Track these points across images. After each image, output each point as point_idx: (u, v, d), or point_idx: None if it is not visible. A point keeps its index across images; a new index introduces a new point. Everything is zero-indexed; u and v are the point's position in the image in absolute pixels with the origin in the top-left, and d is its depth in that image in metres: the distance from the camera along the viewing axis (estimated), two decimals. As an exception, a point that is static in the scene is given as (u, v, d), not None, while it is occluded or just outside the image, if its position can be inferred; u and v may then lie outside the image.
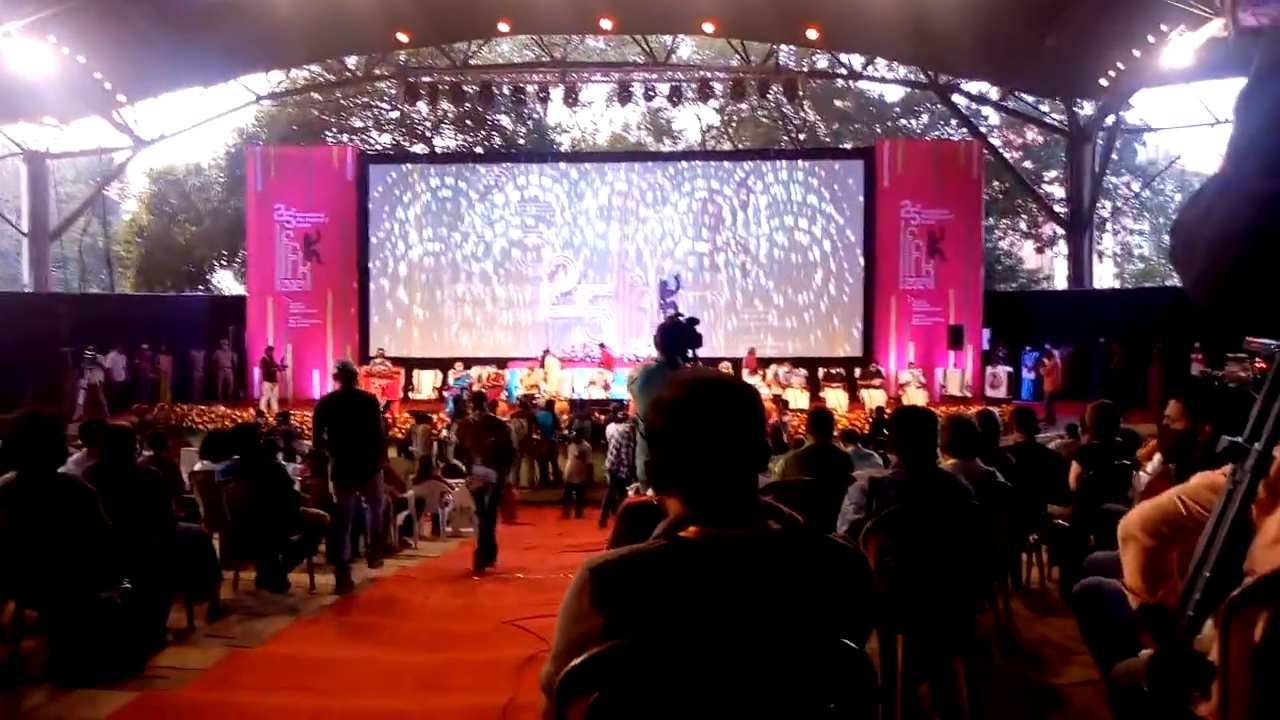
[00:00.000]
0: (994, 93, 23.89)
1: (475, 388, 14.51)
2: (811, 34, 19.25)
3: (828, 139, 29.55)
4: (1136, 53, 17.08)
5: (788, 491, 4.61)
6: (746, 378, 14.78)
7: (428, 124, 29.61)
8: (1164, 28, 15.76)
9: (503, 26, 19.95)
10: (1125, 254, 34.10)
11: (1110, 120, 22.62)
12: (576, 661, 1.33)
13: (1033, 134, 29.53)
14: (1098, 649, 3.06)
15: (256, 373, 18.48)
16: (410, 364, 19.31)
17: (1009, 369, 18.61)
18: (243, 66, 21.45)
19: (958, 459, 4.08)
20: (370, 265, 20.30)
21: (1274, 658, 1.58)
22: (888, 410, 13.80)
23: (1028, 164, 29.48)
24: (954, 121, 26.85)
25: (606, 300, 20.38)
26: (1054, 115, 24.52)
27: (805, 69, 22.80)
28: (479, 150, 28.36)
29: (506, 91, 21.75)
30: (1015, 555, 5.29)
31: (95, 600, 3.97)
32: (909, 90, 27.78)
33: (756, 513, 1.42)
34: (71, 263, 31.28)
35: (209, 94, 22.59)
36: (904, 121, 30.39)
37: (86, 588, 3.94)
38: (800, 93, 22.40)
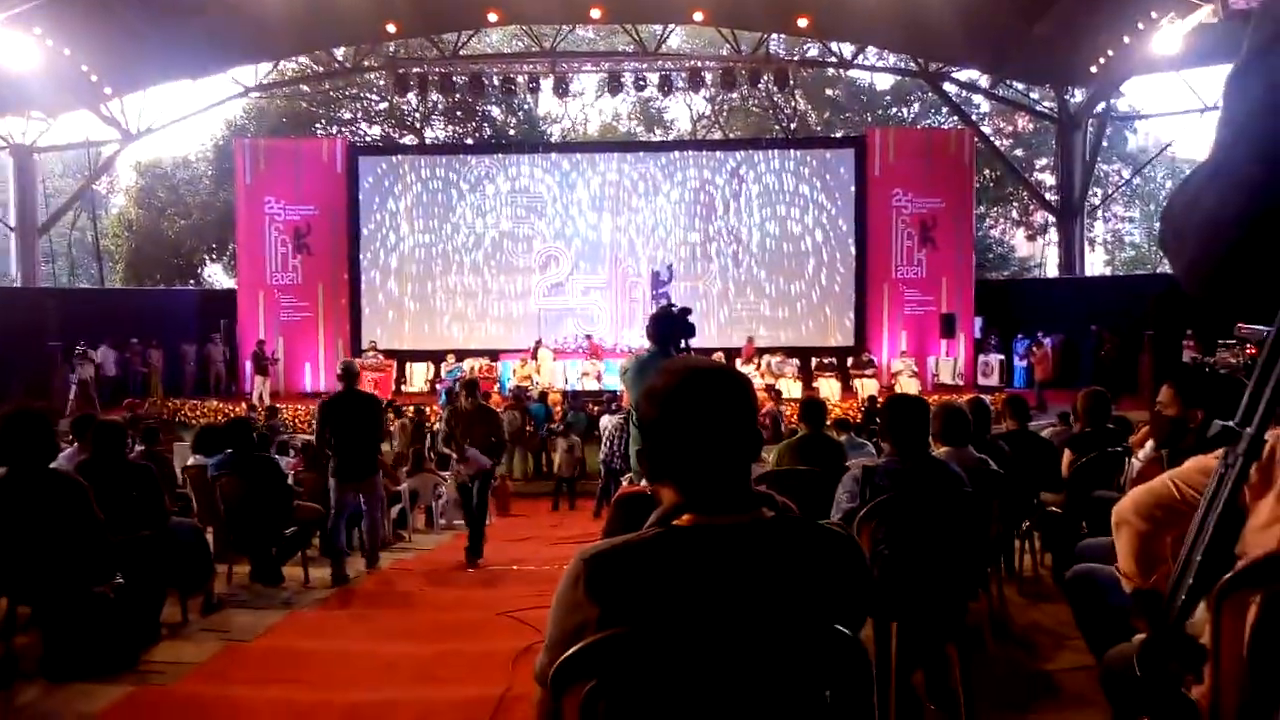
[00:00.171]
0: (984, 80, 23.92)
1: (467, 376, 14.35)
2: (802, 22, 19.24)
3: (819, 128, 29.55)
4: (1126, 39, 17.11)
5: (781, 480, 4.62)
6: (740, 367, 14.81)
7: (417, 115, 29.51)
8: (1154, 14, 15.80)
9: (492, 17, 19.86)
10: (1116, 241, 34.23)
11: (1101, 107, 22.64)
12: (571, 651, 1.32)
13: (1023, 121, 29.59)
14: (1090, 634, 3.08)
15: (248, 366, 18.42)
16: (402, 356, 19.28)
17: (1001, 357, 18.68)
18: (231, 58, 21.32)
19: (950, 447, 4.09)
20: (361, 257, 20.25)
21: (1266, 641, 1.59)
22: (880, 399, 13.83)
23: (1018, 152, 29.54)
24: (945, 109, 26.90)
25: (598, 291, 20.36)
26: (1044, 103, 24.54)
27: (796, 58, 22.76)
28: (469, 141, 28.30)
29: (496, 82, 21.68)
30: (1008, 542, 5.32)
31: (88, 595, 3.95)
32: (899, 78, 27.76)
33: (750, 501, 1.42)
34: (60, 257, 31.18)
35: (197, 86, 22.45)
36: (895, 110, 30.41)
37: (79, 583, 3.93)
38: (791, 82, 22.35)
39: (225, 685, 4.07)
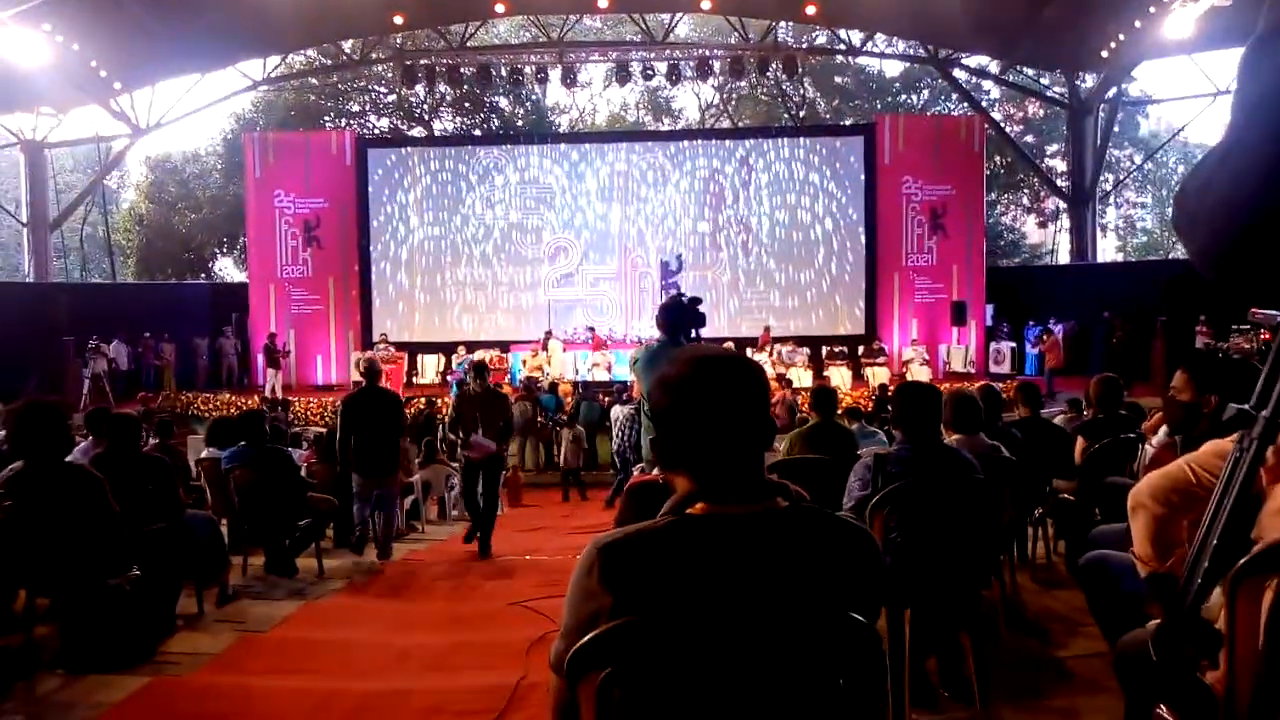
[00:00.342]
0: (994, 66, 23.75)
1: (458, 358, 14.14)
2: (810, 10, 19.11)
3: (828, 116, 29.43)
4: (1138, 23, 16.96)
5: (792, 469, 4.62)
6: (754, 355, 14.78)
7: (425, 107, 29.50)
8: (1165, -2, 15.65)
9: (499, 8, 19.80)
10: (1128, 227, 34.01)
11: (1112, 93, 22.48)
12: (586, 639, 1.33)
13: (1034, 108, 29.37)
14: (1104, 621, 3.08)
15: (260, 360, 18.49)
16: (413, 349, 19.30)
17: (1012, 344, 18.59)
18: (239, 52, 21.37)
19: (962, 434, 4.08)
20: (371, 250, 20.27)
21: (1282, 625, 1.59)
22: (891, 387, 13.80)
23: (1029, 138, 29.36)
24: (954, 96, 26.75)
25: (608, 282, 20.35)
26: (1055, 88, 24.40)
27: (804, 45, 22.72)
28: (477, 133, 28.26)
29: (504, 73, 21.66)
30: (1021, 529, 5.31)
31: (105, 587, 3.98)
32: (909, 65, 27.61)
33: (763, 490, 1.42)
34: (72, 252, 31.32)
35: (205, 81, 22.50)
36: (904, 97, 30.24)
37: (96, 575, 3.96)
38: (800, 69, 22.32)
39: (241, 676, 4.10)
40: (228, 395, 17.28)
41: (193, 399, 17.11)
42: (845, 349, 18.58)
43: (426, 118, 29.77)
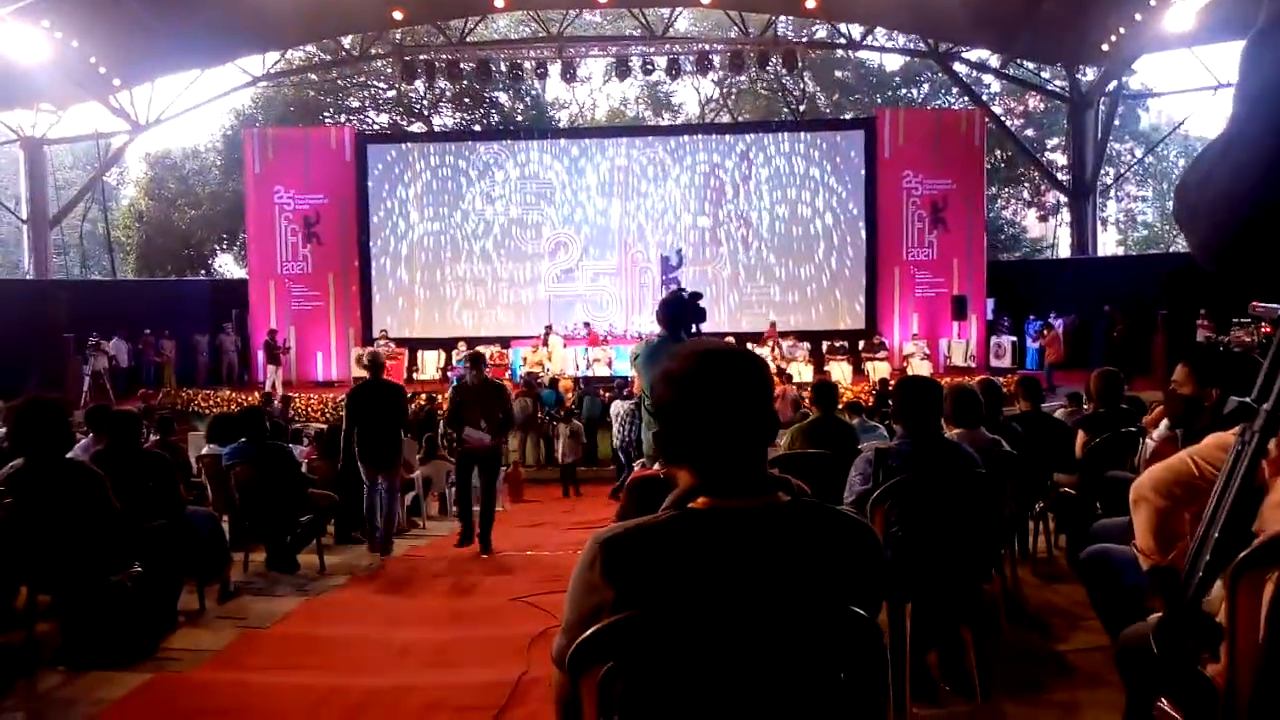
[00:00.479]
0: (994, 60, 23.73)
1: (459, 351, 13.96)
2: (810, 4, 19.09)
3: (828, 110, 29.40)
4: (1138, 16, 16.94)
5: (793, 464, 4.62)
6: (756, 349, 14.78)
7: (425, 102, 29.48)
8: (1166, -9, 15.62)
9: (499, 2, 19.81)
10: (1129, 221, 33.98)
11: (1112, 86, 22.42)
12: (588, 633, 1.33)
13: (1034, 101, 29.34)
14: (1106, 614, 3.08)
15: (260, 356, 18.49)
16: (413, 344, 19.30)
17: (1013, 339, 18.59)
18: (238, 48, 21.34)
19: (962, 429, 4.08)
20: (371, 245, 20.26)
21: (1283, 619, 1.58)
22: (892, 382, 13.79)
23: (1029, 132, 29.32)
24: (955, 90, 26.67)
25: (608, 277, 20.34)
26: (1055, 82, 24.34)
27: (804, 39, 22.61)
28: (477, 128, 28.25)
29: (504, 68, 21.63)
30: (1022, 523, 5.31)
31: (107, 584, 3.99)
32: (909, 59, 27.58)
33: (766, 484, 1.42)
34: (72, 249, 31.30)
35: (205, 77, 22.47)
36: (904, 91, 30.21)
37: (98, 572, 3.96)
38: (799, 64, 22.25)
39: (243, 672, 4.11)
40: (228, 392, 17.29)
41: (193, 396, 17.11)
42: (846, 344, 18.59)
43: (426, 113, 29.74)
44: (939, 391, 3.58)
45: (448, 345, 18.85)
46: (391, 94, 29.33)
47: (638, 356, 4.79)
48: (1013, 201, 31.89)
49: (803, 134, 20.93)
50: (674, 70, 21.24)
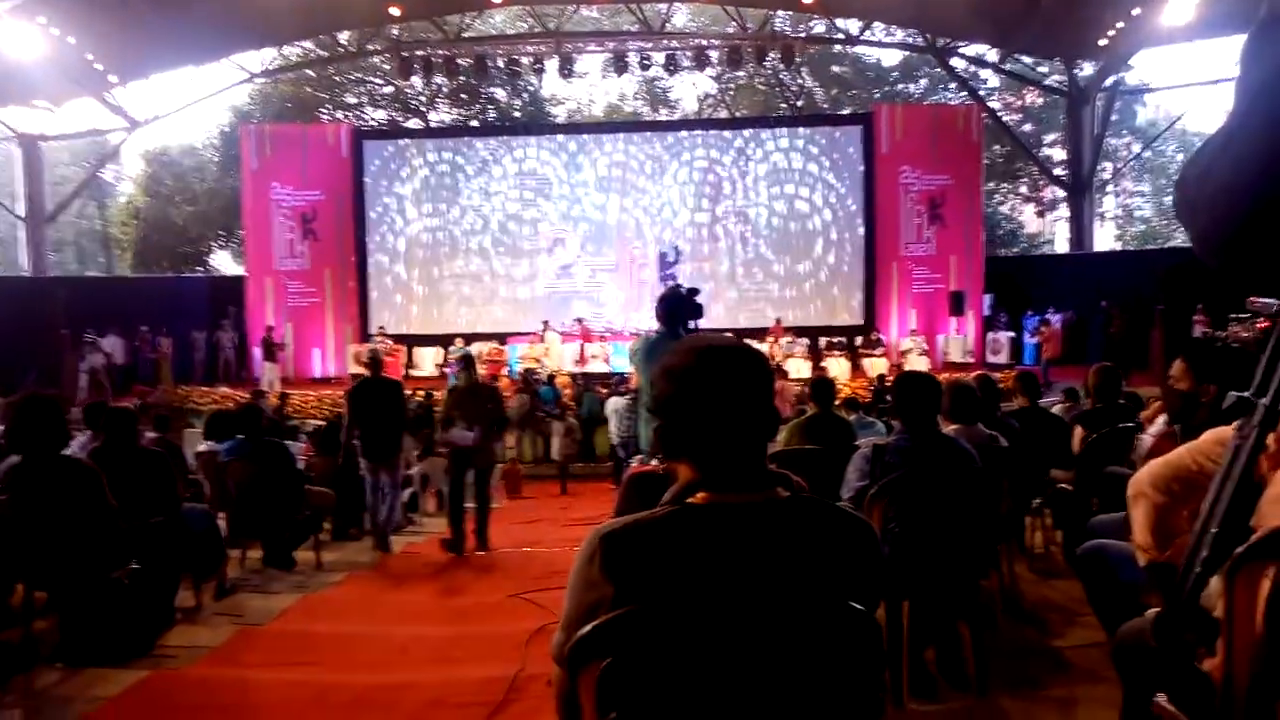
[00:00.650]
0: (992, 55, 23.69)
1: (455, 349, 13.85)
2: (807, -1, 19.08)
3: (826, 105, 29.36)
4: (1136, 11, 16.93)
5: (790, 460, 4.62)
6: (756, 344, 14.79)
7: (422, 98, 29.41)
8: (1164, -15, 15.61)
9: (495, -2, 19.77)
10: (1126, 216, 33.97)
11: (1110, 81, 22.42)
12: (587, 629, 1.33)
13: (1032, 96, 29.30)
14: (1102, 610, 3.08)
15: (257, 353, 18.47)
16: (410, 341, 19.29)
17: (1011, 334, 18.59)
18: (235, 44, 21.30)
19: (959, 424, 4.08)
20: (368, 242, 20.23)
21: (1280, 613, 1.58)
22: (889, 378, 13.80)
23: (1027, 127, 29.29)
24: (952, 85, 26.68)
25: (606, 273, 20.32)
26: (1053, 77, 24.34)
27: (802, 35, 22.62)
28: (474, 124, 28.19)
29: (501, 64, 21.60)
30: (1019, 519, 5.31)
31: (104, 581, 3.99)
32: (907, 54, 27.53)
33: (765, 480, 1.42)
34: (68, 246, 31.22)
35: (202, 73, 22.49)
36: (902, 86, 30.17)
37: (95, 569, 3.96)
38: (797, 59, 22.23)
39: (240, 669, 4.11)
40: (225, 389, 17.26)
41: (190, 392, 17.08)
42: (843, 339, 18.59)
43: (423, 109, 29.68)
44: (937, 387, 3.58)
45: (445, 342, 18.81)
46: (388, 90, 29.26)
47: (636, 353, 4.79)
48: (1010, 197, 31.87)
49: (800, 129, 20.91)
50: (671, 66, 21.19)
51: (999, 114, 26.09)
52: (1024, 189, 31.24)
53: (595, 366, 17.00)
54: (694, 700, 1.34)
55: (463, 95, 29.09)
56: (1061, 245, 28.48)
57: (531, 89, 29.88)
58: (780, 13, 22.18)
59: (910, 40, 23.95)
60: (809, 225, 20.06)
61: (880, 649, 1.43)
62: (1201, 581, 1.36)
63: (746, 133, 20.87)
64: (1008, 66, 23.91)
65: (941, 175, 19.26)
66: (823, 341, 18.51)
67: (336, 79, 28.73)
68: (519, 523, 9.56)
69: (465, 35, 22.20)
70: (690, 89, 31.51)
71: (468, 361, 7.45)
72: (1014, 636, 4.00)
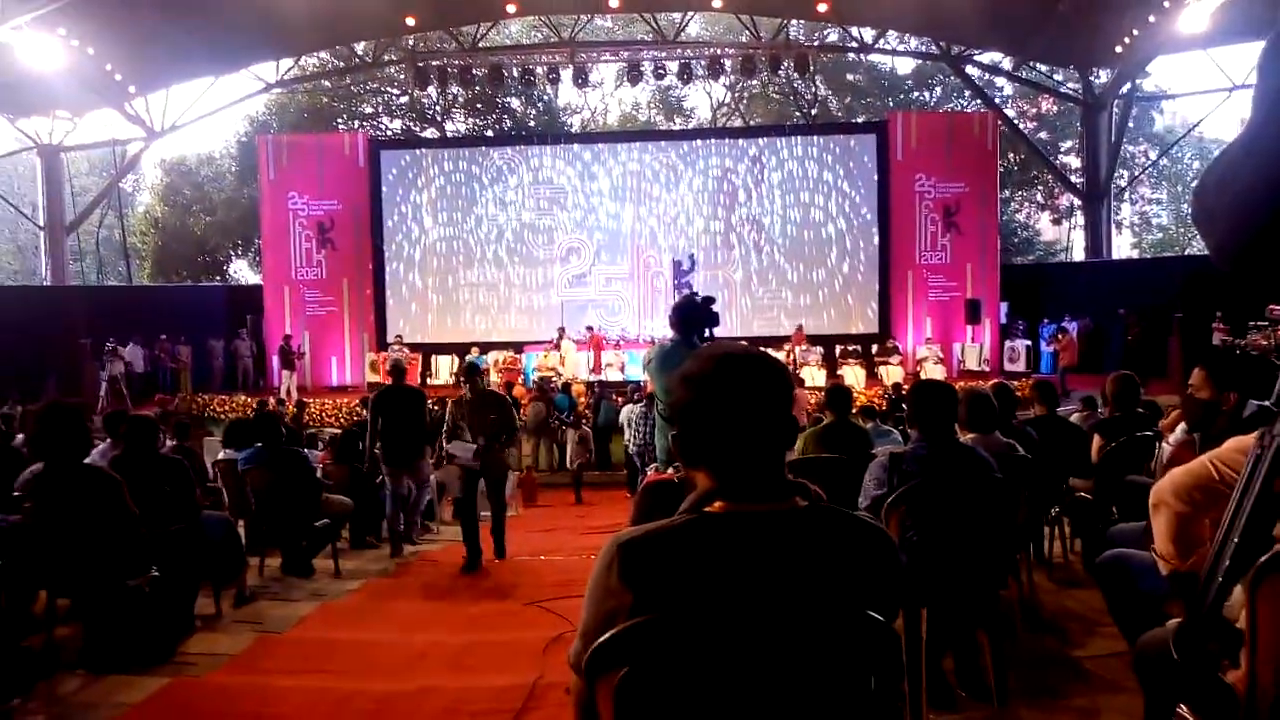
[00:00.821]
0: (1007, 63, 23.65)
1: (470, 357, 13.75)
2: (821, 7, 19.10)
3: (840, 114, 29.36)
4: (1152, 18, 16.85)
5: (806, 468, 4.61)
6: (773, 353, 14.76)
7: (438, 108, 29.60)
8: (1180, -8, 15.53)
9: (510, 8, 19.86)
10: (1144, 224, 33.78)
11: (1126, 88, 22.32)
12: (605, 637, 1.33)
13: (1047, 104, 29.22)
14: (1123, 620, 3.06)
15: (275, 361, 18.58)
16: (427, 349, 19.35)
17: (1027, 342, 18.50)
18: (252, 55, 21.52)
19: (976, 433, 4.06)
20: (384, 251, 20.34)
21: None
22: (905, 386, 13.74)
23: (1043, 135, 29.21)
24: (967, 93, 26.63)
25: (621, 281, 20.36)
26: (1069, 84, 24.25)
27: (816, 43, 22.63)
28: (490, 133, 28.33)
29: (516, 74, 21.67)
30: (1037, 528, 5.28)
31: (124, 588, 4.02)
32: (921, 62, 27.50)
33: (783, 489, 1.42)
34: (88, 256, 31.52)
35: (219, 83, 22.65)
36: (917, 94, 30.15)
37: (116, 576, 3.99)
38: (811, 67, 22.23)
39: (259, 676, 4.13)
40: (243, 397, 17.36)
41: (208, 401, 17.20)
42: (859, 348, 18.54)
43: (439, 119, 29.86)
44: (954, 395, 3.57)
45: (461, 350, 18.86)
46: (404, 100, 29.46)
47: (650, 361, 4.79)
48: (1026, 205, 31.76)
49: (815, 137, 20.91)
50: (686, 75, 21.25)
51: (1014, 121, 26.02)
52: (1040, 197, 31.14)
53: (611, 375, 17.00)
54: (712, 710, 1.34)
55: (478, 105, 29.26)
56: (1078, 253, 28.32)
57: (546, 98, 30.03)
58: (794, 21, 22.20)
59: (924, 48, 23.94)
60: (824, 233, 20.04)
61: (898, 659, 1.43)
62: (1224, 591, 1.35)
63: (761, 141, 20.88)
64: (1023, 74, 23.84)
65: (957, 183, 19.21)
66: (838, 349, 18.46)
67: (353, 89, 28.95)
68: (536, 531, 9.57)
69: (480, 45, 22.33)
70: (704, 98, 31.64)
71: (472, 370, 7.31)
72: (1033, 646, 3.98)
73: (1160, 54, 20.16)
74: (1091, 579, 4.21)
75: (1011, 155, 27.48)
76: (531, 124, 29.68)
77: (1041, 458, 4.72)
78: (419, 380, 17.83)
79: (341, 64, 25.10)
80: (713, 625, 1.33)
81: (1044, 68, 24.03)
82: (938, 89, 29.97)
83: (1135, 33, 17.70)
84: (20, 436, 6.72)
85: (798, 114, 28.99)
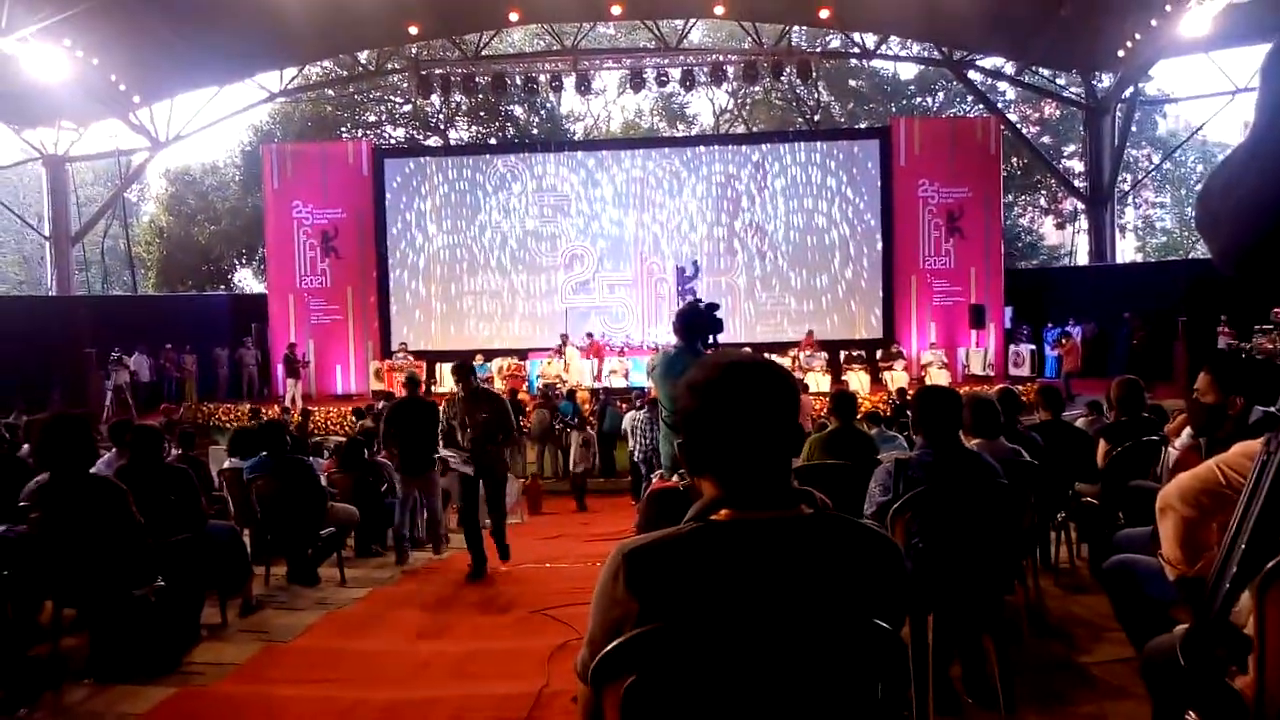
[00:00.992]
0: (1010, 67, 23.64)
1: (476, 362, 13.59)
2: (823, 14, 19.11)
3: (843, 119, 29.38)
4: (1154, 22, 16.83)
5: (811, 475, 4.60)
6: (779, 358, 14.76)
7: (441, 116, 29.67)
8: (1182, -5, 15.52)
9: (513, 16, 19.93)
10: (1147, 228, 33.75)
11: (1129, 92, 22.30)
12: (611, 646, 1.33)
13: (1050, 108, 29.22)
14: (1130, 625, 3.05)
15: (280, 370, 18.60)
16: (431, 357, 19.36)
17: (1032, 347, 18.47)
18: (256, 64, 21.57)
19: (981, 439, 4.06)
20: (389, 259, 20.37)
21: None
22: (910, 392, 13.73)
23: (1046, 139, 29.20)
24: (970, 98, 26.64)
25: (624, 288, 20.36)
26: (1071, 89, 24.25)
27: (818, 49, 22.69)
28: (493, 141, 28.39)
29: (519, 81, 21.72)
30: (1043, 534, 5.27)
31: (130, 598, 4.02)
32: (923, 68, 27.52)
33: (789, 496, 1.42)
34: (94, 265, 31.60)
35: (224, 93, 22.73)
36: (919, 100, 30.16)
37: (122, 586, 3.99)
38: (814, 73, 22.24)
39: (265, 685, 4.13)
40: (248, 406, 17.38)
41: (214, 410, 17.22)
42: (863, 353, 18.51)
43: (442, 127, 29.93)
44: (958, 401, 3.57)
45: (466, 358, 18.83)
46: (408, 108, 29.54)
47: (655, 368, 4.78)
48: (1030, 209, 31.75)
49: (818, 143, 20.90)
50: (688, 81, 21.26)
51: (1017, 126, 26.03)
52: (1043, 201, 31.13)
53: (614, 381, 17.00)
54: (719, 718, 1.34)
55: (481, 113, 29.33)
56: (1082, 257, 28.29)
57: (549, 106, 30.11)
58: (796, 28, 22.23)
59: (927, 53, 23.94)
60: (827, 239, 20.04)
61: (905, 667, 1.43)
62: (1231, 597, 1.35)
63: (764, 147, 20.88)
64: (1025, 79, 23.84)
65: (960, 188, 19.20)
66: (842, 355, 18.44)
67: (356, 98, 29.05)
68: (541, 539, 9.57)
69: (483, 53, 22.37)
70: (707, 104, 31.68)
71: (464, 371, 7.10)
72: (1040, 652, 3.97)
73: (1163, 58, 20.15)
74: (1098, 584, 4.21)
75: (1014, 160, 27.47)
76: (535, 131, 29.74)
77: (1047, 463, 4.71)
78: (424, 389, 17.82)
79: (345, 73, 25.19)
80: (719, 634, 1.33)
81: (1046, 72, 24.02)
82: (940, 94, 29.98)
83: (1137, 36, 17.69)
84: (26, 447, 6.74)
85: (800, 120, 29.02)
